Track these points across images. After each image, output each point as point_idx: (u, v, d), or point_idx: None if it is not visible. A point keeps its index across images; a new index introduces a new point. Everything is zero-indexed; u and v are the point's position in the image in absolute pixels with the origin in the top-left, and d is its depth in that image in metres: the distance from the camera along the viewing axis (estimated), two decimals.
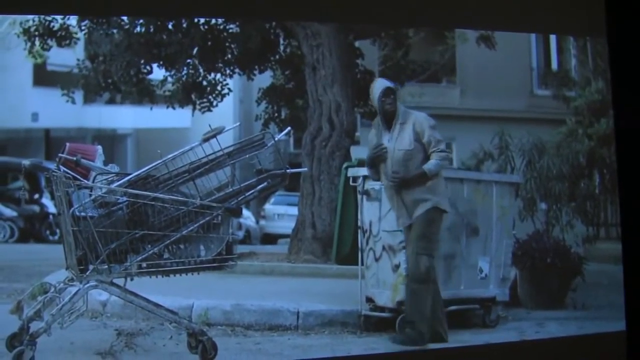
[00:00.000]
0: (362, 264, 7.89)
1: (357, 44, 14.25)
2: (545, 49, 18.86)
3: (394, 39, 15.15)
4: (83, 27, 13.20)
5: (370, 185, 7.72)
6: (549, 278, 9.06)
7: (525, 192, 10.29)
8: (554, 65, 18.57)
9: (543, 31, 13.41)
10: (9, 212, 18.77)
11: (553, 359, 6.98)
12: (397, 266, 7.53)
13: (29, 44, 13.20)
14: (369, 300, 7.81)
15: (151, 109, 13.98)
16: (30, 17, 12.95)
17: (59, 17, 12.94)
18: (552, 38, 18.10)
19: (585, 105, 12.02)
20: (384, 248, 7.65)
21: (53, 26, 13.04)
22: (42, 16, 12.84)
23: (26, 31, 13.10)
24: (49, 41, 13.19)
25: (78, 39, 13.38)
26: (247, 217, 21.97)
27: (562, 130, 11.43)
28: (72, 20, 13.15)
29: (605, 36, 7.40)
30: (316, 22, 11.58)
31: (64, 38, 13.22)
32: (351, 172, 8.12)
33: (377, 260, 7.72)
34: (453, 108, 18.30)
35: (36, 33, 13.05)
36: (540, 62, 19.03)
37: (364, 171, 7.82)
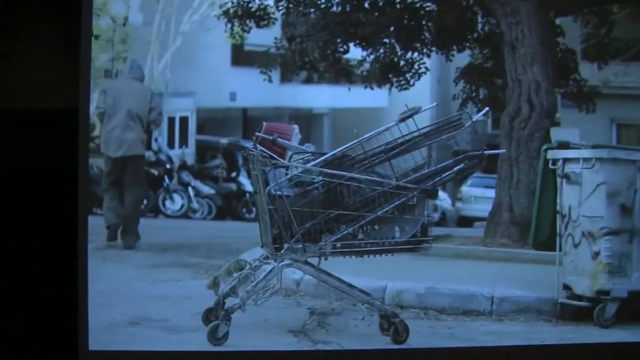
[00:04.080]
0: (560, 250, 7.66)
1: (557, 21, 13.86)
2: None
3: (597, 16, 14.65)
4: (280, 7, 13.39)
5: (571, 168, 7.48)
6: None
7: None
8: None
9: None
10: (207, 189, 19.31)
11: None
12: (597, 253, 7.26)
13: (229, 25, 13.50)
14: (567, 287, 7.55)
15: (349, 89, 14.04)
16: None
17: None
18: None
19: None
20: (583, 234, 7.38)
21: (251, 7, 13.27)
22: None
23: (226, 13, 13.39)
24: (247, 22, 13.45)
25: (276, 19, 13.57)
26: (443, 199, 21.74)
27: None
28: (270, 0, 13.35)
29: None
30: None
31: (262, 18, 13.45)
32: (551, 154, 7.84)
33: (576, 246, 7.47)
34: None
35: (235, 14, 13.33)
36: None
37: (564, 154, 7.59)
